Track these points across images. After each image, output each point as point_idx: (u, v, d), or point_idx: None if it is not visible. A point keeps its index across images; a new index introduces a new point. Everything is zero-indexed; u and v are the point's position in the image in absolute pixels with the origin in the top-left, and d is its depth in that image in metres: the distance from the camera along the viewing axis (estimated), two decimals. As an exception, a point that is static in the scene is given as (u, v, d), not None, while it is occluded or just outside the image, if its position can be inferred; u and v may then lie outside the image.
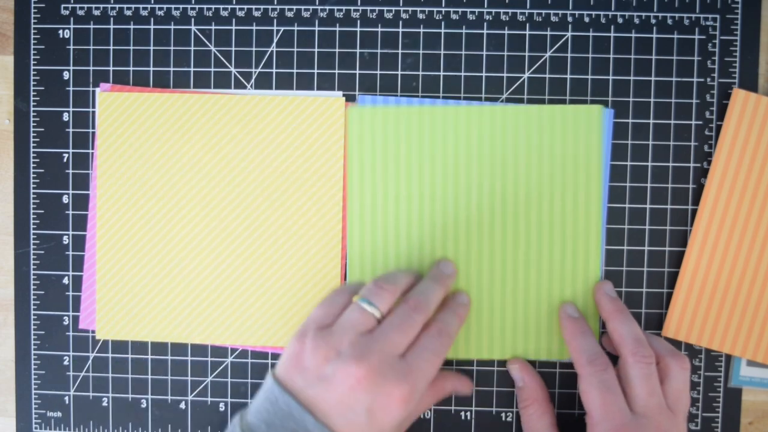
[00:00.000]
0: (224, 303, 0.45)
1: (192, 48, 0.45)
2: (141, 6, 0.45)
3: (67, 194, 0.45)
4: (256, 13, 0.45)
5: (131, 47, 0.45)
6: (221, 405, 0.45)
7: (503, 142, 0.43)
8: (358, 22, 0.44)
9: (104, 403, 0.46)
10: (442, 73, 0.44)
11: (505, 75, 0.44)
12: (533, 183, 0.43)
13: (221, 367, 0.45)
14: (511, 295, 0.43)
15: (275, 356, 0.45)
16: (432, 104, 0.43)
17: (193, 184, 0.44)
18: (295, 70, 0.44)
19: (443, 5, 0.44)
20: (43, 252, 0.45)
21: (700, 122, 0.44)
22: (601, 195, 0.43)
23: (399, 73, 0.44)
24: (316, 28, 0.44)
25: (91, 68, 0.45)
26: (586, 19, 0.44)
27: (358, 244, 0.44)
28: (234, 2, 0.45)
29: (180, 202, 0.45)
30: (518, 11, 0.44)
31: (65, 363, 0.46)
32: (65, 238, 0.45)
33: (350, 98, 0.44)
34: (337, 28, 0.44)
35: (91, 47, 0.45)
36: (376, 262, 0.44)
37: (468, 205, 0.43)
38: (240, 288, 0.45)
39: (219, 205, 0.44)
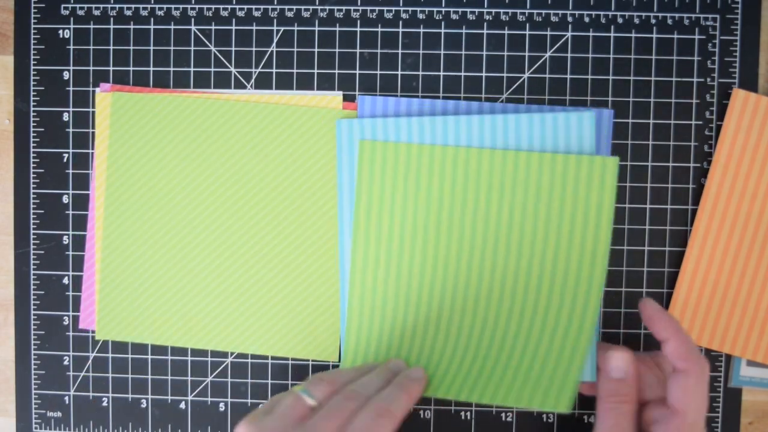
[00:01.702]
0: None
1: (192, 48, 0.45)
2: (141, 6, 0.45)
3: (67, 194, 0.45)
4: (256, 13, 0.45)
5: (131, 47, 0.45)
6: (221, 405, 0.45)
7: (513, 188, 0.41)
8: (358, 22, 0.44)
9: (104, 403, 0.46)
10: (442, 73, 0.44)
11: (505, 75, 0.44)
12: (539, 231, 0.41)
13: (221, 367, 0.45)
14: (512, 340, 0.41)
15: (275, 359, 0.45)
16: (442, 141, 0.42)
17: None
18: (295, 70, 0.44)
19: (443, 5, 0.44)
20: (43, 252, 0.45)
21: (700, 122, 0.44)
22: (607, 254, 0.40)
23: (399, 73, 0.44)
24: (316, 28, 0.44)
25: (91, 68, 0.45)
26: (586, 19, 0.44)
27: (360, 283, 0.43)
28: (234, 2, 0.45)
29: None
30: (518, 11, 0.44)
31: (65, 363, 0.46)
32: (65, 238, 0.45)
33: (350, 98, 0.44)
34: (337, 28, 0.44)
35: (91, 47, 0.45)
36: (372, 326, 0.43)
37: (472, 249, 0.41)
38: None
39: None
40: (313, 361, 0.45)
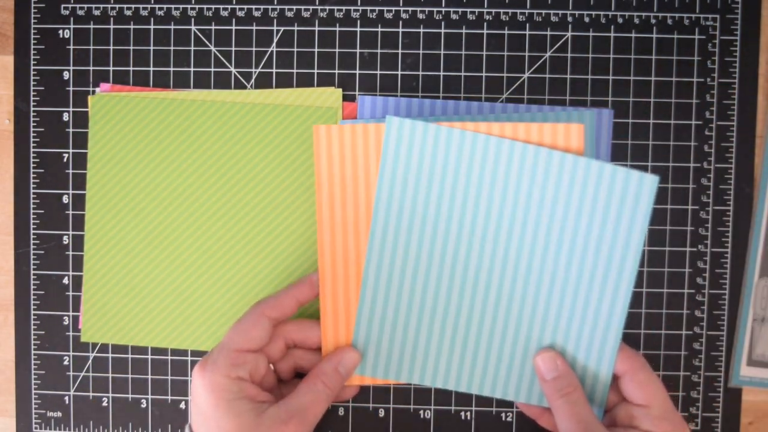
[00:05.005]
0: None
1: (192, 48, 0.45)
2: (141, 6, 0.45)
3: (67, 194, 0.45)
4: (256, 13, 0.45)
5: (131, 47, 0.45)
6: (221, 405, 0.45)
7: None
8: (358, 22, 0.44)
9: (104, 403, 0.46)
10: (442, 73, 0.44)
11: (505, 75, 0.44)
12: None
13: (221, 367, 0.45)
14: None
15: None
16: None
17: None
18: (295, 70, 0.44)
19: (443, 5, 0.44)
20: (43, 252, 0.45)
21: (700, 122, 0.44)
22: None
23: (399, 73, 0.44)
24: (316, 28, 0.44)
25: (91, 68, 0.45)
26: (586, 19, 0.44)
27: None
28: (234, 2, 0.45)
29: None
30: (518, 11, 0.44)
31: (65, 363, 0.46)
32: (65, 238, 0.45)
33: (350, 98, 0.44)
34: (337, 28, 0.44)
35: (91, 47, 0.45)
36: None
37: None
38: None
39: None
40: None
